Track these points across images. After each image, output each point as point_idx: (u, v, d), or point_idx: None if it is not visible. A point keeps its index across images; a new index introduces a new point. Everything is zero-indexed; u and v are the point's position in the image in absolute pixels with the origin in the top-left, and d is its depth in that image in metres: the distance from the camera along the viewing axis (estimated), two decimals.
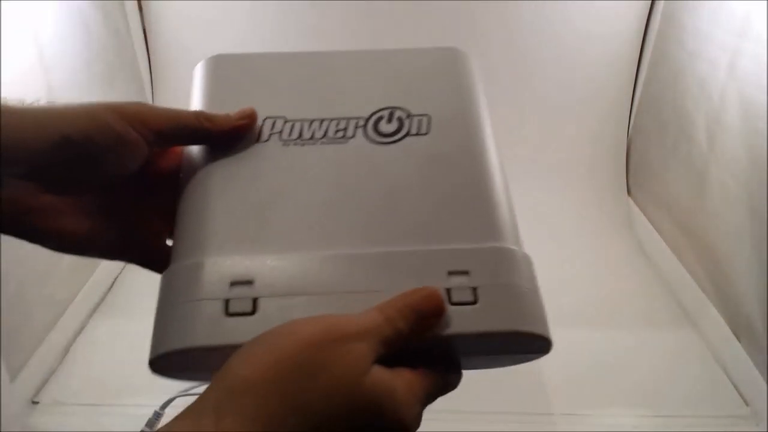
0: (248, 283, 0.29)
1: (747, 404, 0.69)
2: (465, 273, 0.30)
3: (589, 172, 1.10)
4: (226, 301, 0.29)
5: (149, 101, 1.09)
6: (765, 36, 0.68)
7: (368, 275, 0.30)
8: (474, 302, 0.29)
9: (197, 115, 0.33)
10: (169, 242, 0.35)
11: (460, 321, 0.28)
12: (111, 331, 0.79)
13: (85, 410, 0.67)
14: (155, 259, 0.33)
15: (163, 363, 0.29)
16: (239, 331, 0.27)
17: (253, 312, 0.28)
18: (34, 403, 0.68)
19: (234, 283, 0.29)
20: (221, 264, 0.30)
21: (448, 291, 0.29)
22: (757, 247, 0.68)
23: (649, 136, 1.03)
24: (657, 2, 1.01)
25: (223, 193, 0.33)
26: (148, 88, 1.10)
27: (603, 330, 0.79)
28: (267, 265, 0.30)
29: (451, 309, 0.28)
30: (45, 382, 0.71)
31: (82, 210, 0.31)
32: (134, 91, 1.05)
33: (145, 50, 1.08)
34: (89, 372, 0.72)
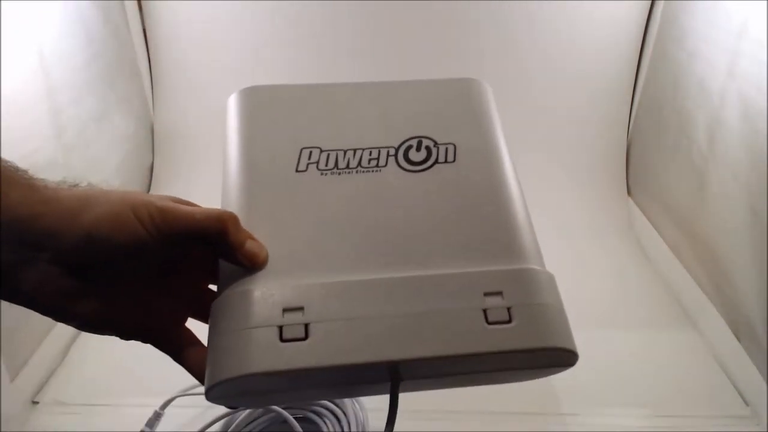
0: (299, 309, 0.31)
1: (747, 404, 0.69)
2: (499, 293, 0.32)
3: (589, 173, 1.10)
4: (280, 328, 0.30)
5: (149, 101, 1.10)
6: (764, 37, 0.68)
7: (411, 298, 0.32)
8: (509, 321, 0.31)
9: (219, 219, 0.32)
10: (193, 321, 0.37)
11: (498, 339, 0.30)
12: None
13: (85, 410, 0.67)
14: (171, 343, 0.35)
15: (220, 391, 0.30)
16: (294, 355, 0.29)
17: (305, 337, 0.30)
18: (34, 403, 0.68)
19: (286, 310, 0.31)
20: (272, 291, 0.32)
21: (485, 311, 0.31)
22: (757, 247, 0.68)
23: (649, 136, 1.03)
24: (657, 3, 1.01)
25: (269, 222, 0.35)
26: (148, 87, 1.10)
27: (602, 330, 0.79)
28: (315, 292, 0.32)
29: (488, 328, 0.31)
30: (45, 382, 0.70)
31: (99, 294, 0.32)
32: (134, 91, 1.05)
33: (145, 50, 1.08)
34: (89, 372, 0.72)
